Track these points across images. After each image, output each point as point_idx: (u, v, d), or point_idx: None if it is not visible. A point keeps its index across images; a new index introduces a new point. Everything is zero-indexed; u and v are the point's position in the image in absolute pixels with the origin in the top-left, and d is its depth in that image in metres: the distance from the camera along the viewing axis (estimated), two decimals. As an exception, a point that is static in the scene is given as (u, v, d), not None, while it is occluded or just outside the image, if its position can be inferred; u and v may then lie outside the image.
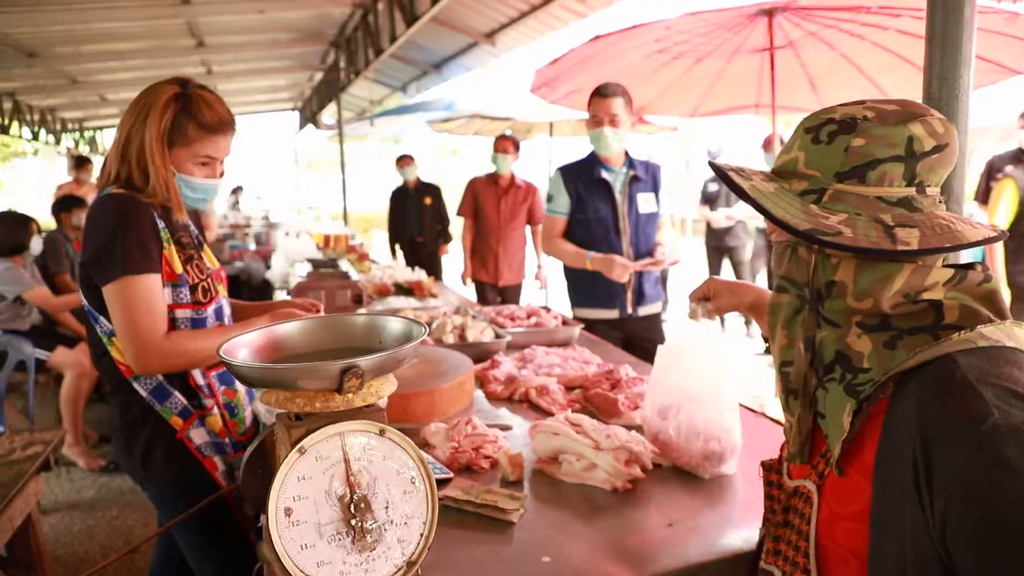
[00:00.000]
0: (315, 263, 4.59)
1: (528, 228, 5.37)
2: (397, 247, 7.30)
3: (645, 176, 3.05)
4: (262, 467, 1.11)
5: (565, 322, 2.82)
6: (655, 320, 3.14)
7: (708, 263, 7.08)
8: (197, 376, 1.67)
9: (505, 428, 1.81)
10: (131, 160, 1.57)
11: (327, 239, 6.80)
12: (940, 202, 0.86)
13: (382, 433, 1.04)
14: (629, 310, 3.01)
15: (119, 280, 1.49)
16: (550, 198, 3.10)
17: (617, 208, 2.98)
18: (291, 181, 17.25)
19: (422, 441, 1.66)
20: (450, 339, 2.43)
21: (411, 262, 7.05)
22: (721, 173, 0.92)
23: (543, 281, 5.65)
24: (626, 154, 3.03)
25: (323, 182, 20.43)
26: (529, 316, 2.86)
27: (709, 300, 1.43)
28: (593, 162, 3.03)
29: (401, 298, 3.91)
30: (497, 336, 2.49)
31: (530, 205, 5.24)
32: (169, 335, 1.54)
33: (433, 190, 7.07)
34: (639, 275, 2.99)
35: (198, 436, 1.65)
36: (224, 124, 1.62)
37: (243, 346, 1.07)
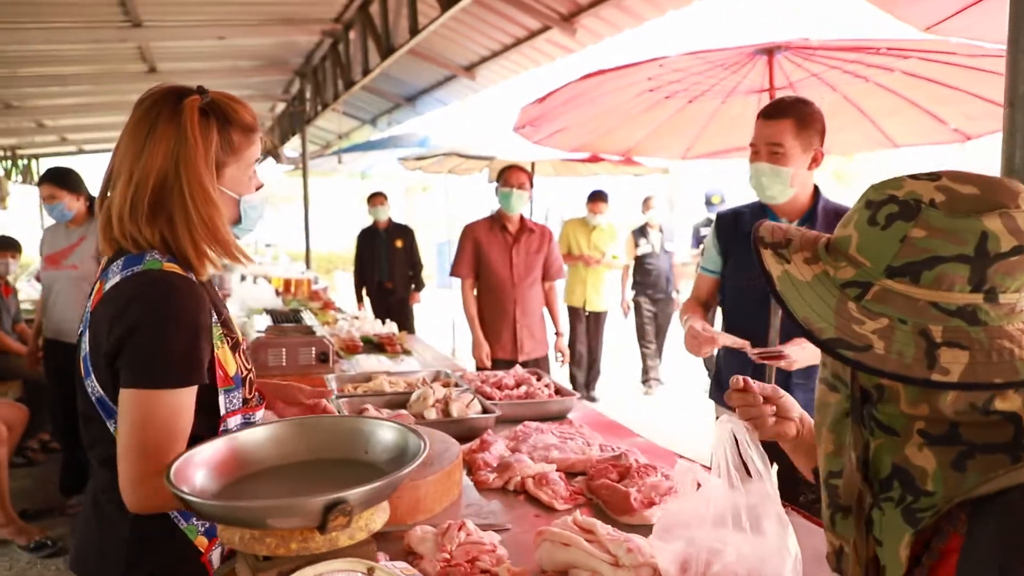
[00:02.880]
0: (275, 315, 4.41)
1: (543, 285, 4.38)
2: (364, 292, 7.15)
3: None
4: (218, 615, 0.96)
5: (559, 391, 2.69)
6: None
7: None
8: None
9: (502, 530, 1.66)
10: (173, 213, 1.27)
11: (287, 284, 6.63)
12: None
13: (370, 572, 0.90)
14: None
15: (141, 391, 1.20)
16: (704, 251, 2.58)
17: None
18: (246, 217, 17.07)
19: (407, 549, 1.51)
20: (432, 414, 2.28)
21: (378, 309, 6.89)
22: (756, 247, 0.86)
23: (564, 354, 4.47)
24: (814, 201, 2.37)
25: (280, 218, 20.21)
26: (518, 385, 2.72)
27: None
28: (757, 211, 2.43)
29: (372, 357, 3.75)
30: (484, 410, 2.35)
31: (546, 255, 4.27)
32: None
33: (405, 232, 6.97)
34: (786, 379, 2.33)
35: (216, 560, 1.39)
36: (256, 118, 1.40)
37: (198, 464, 0.92)
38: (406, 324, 6.91)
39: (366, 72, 5.87)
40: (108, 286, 1.27)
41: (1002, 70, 3.75)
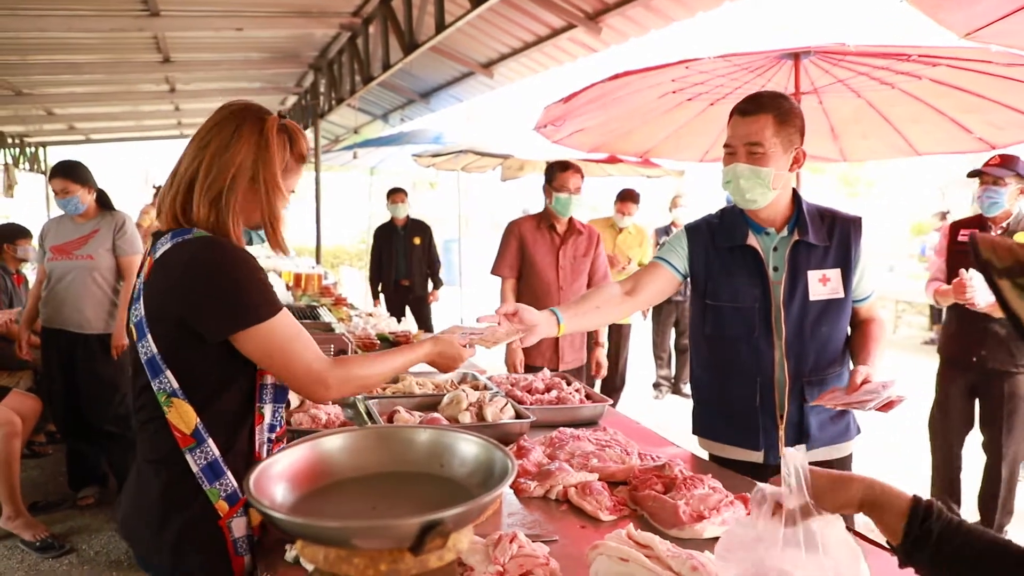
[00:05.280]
0: (291, 311, 4.35)
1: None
2: (379, 289, 7.06)
3: (823, 239, 2.11)
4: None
5: (589, 396, 2.64)
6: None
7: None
8: (263, 454, 1.53)
9: (549, 541, 1.61)
10: (231, 202, 1.49)
11: (298, 279, 6.58)
12: None
13: (453, 594, 0.86)
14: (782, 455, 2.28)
15: (264, 323, 1.42)
16: (663, 247, 2.32)
17: (770, 291, 2.11)
18: (252, 209, 17.00)
19: (456, 561, 1.46)
20: (466, 418, 2.24)
21: (394, 307, 6.80)
22: (988, 274, 0.69)
23: (602, 365, 4.21)
24: (794, 205, 2.15)
25: (287, 210, 20.16)
26: (548, 389, 2.68)
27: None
28: (735, 219, 2.18)
29: (390, 355, 3.69)
30: (518, 415, 2.30)
31: (593, 258, 4.05)
32: (335, 362, 1.50)
33: (423, 229, 6.88)
34: (800, 404, 2.10)
35: (238, 528, 1.48)
36: (308, 154, 1.65)
37: (275, 476, 0.88)
38: (423, 323, 6.84)
39: (386, 67, 5.81)
40: (159, 254, 1.46)
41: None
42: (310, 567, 0.97)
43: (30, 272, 7.26)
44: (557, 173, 3.91)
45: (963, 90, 4.16)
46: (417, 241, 6.79)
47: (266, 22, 6.26)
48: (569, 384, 2.73)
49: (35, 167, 13.45)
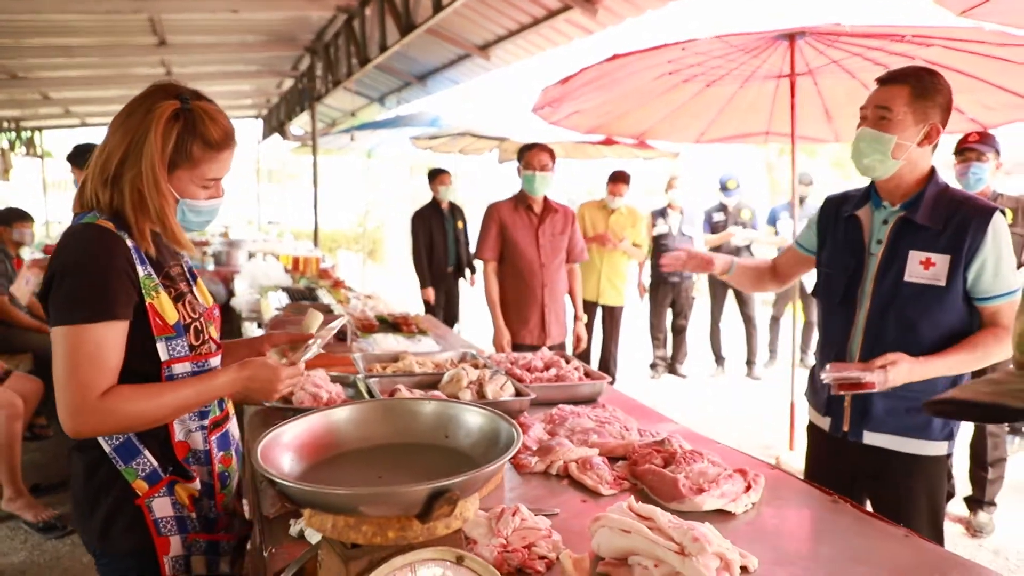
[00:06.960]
0: (291, 293, 4.34)
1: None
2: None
3: (937, 222, 1.96)
4: (299, 603, 0.91)
5: (588, 374, 2.64)
6: (901, 465, 2.05)
7: (711, 297, 6.99)
8: (197, 440, 1.50)
9: (551, 515, 1.62)
10: (124, 188, 1.41)
11: (296, 262, 6.56)
12: None
13: (460, 561, 0.86)
14: (845, 427, 2.10)
15: (65, 327, 1.33)
16: (801, 232, 2.37)
17: (864, 264, 2.08)
18: (250, 193, 16.92)
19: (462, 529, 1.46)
20: (466, 396, 2.23)
21: (440, 295, 6.56)
22: None
23: (582, 339, 4.32)
24: (928, 181, 2.01)
25: (284, 194, 20.07)
26: (547, 367, 2.68)
27: None
28: (863, 190, 2.17)
29: (388, 336, 3.69)
30: (518, 393, 2.30)
31: (569, 236, 4.10)
32: (109, 392, 1.34)
33: (461, 213, 6.65)
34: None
35: (160, 508, 1.45)
36: (229, 139, 1.50)
37: (283, 446, 0.87)
38: (452, 310, 6.65)
39: (383, 49, 5.75)
40: None
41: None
42: (316, 538, 0.97)
43: (28, 256, 7.22)
44: (525, 152, 3.95)
45: (956, 71, 4.14)
46: (460, 225, 6.54)
47: (262, 4, 6.20)
48: (568, 362, 2.74)
49: (31, 151, 13.33)
